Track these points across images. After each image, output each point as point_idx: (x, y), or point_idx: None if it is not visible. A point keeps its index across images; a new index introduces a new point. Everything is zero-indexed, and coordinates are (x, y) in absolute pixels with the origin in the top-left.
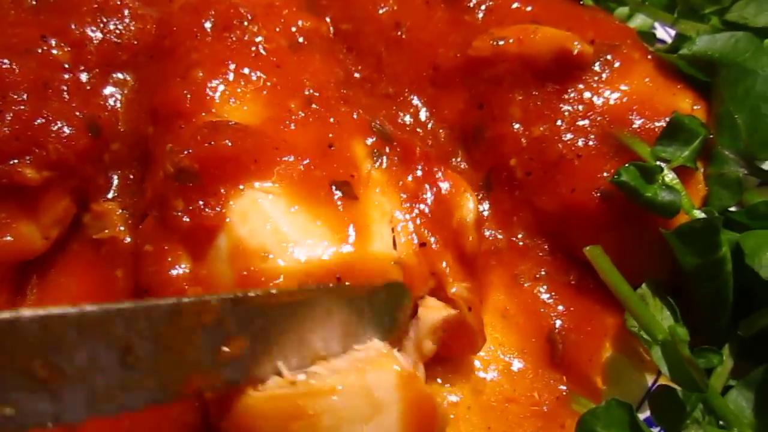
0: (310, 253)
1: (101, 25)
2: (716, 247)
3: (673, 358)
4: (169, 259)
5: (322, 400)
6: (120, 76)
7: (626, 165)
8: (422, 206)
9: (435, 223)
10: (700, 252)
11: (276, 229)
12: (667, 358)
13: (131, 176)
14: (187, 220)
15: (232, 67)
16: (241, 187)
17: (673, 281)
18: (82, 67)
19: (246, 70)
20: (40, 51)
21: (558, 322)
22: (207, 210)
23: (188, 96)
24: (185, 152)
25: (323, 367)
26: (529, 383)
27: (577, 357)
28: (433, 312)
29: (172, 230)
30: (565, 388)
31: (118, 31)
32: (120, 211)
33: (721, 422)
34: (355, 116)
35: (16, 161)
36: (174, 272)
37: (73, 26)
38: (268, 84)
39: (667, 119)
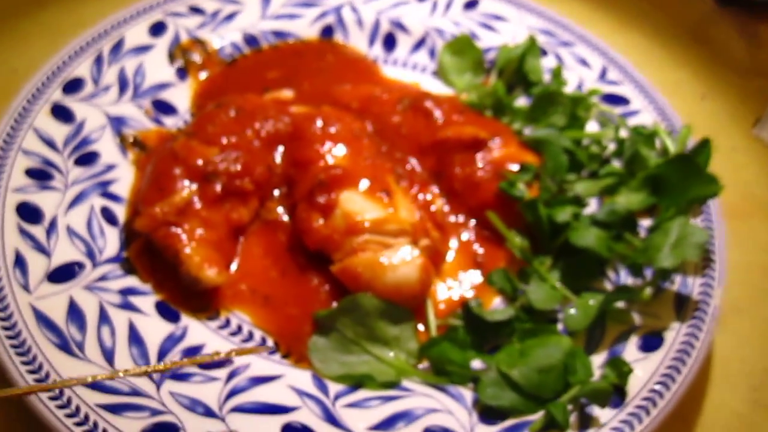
0: (376, 215)
1: (268, 124)
2: (537, 210)
3: (527, 255)
4: (313, 220)
5: (386, 255)
6: (278, 146)
7: (504, 182)
8: (419, 203)
9: (424, 210)
10: (533, 213)
11: (360, 207)
12: (523, 254)
13: (283, 190)
14: (322, 201)
15: (330, 145)
16: (344, 190)
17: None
18: (261, 143)
19: (339, 145)
20: (244, 134)
21: (480, 251)
22: (331, 197)
23: (313, 154)
24: (322, 175)
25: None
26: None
27: (490, 267)
28: (423, 242)
29: (315, 207)
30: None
31: (274, 127)
32: (279, 206)
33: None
34: (387, 165)
35: (243, 179)
36: (315, 224)
37: (257, 124)
38: (348, 152)
39: (521, 164)
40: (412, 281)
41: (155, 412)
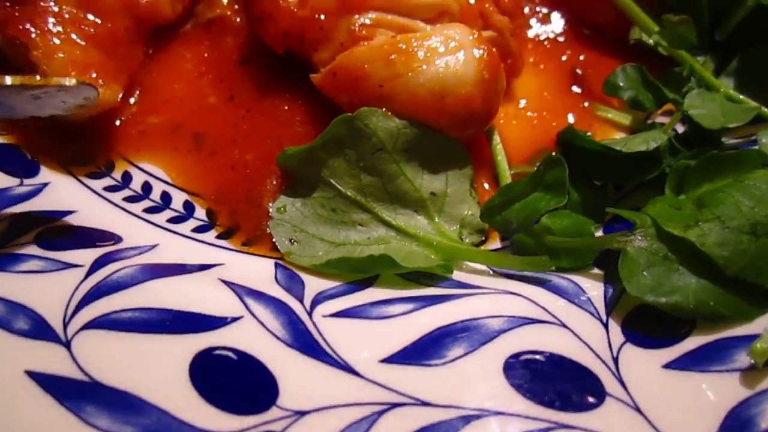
0: None
1: None
2: None
3: (672, 38)
4: None
5: (418, 41)
6: None
7: None
8: None
9: None
10: None
11: None
12: (669, 49)
13: None
14: None
15: None
16: None
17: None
18: None
19: None
20: None
21: (581, 58)
22: None
23: None
24: None
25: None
26: (560, 104)
27: (595, 83)
28: (484, 33)
29: None
30: (588, 104)
31: None
32: None
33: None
34: None
35: None
36: (283, 2)
37: None
38: None
39: None
40: (467, 82)
41: None
